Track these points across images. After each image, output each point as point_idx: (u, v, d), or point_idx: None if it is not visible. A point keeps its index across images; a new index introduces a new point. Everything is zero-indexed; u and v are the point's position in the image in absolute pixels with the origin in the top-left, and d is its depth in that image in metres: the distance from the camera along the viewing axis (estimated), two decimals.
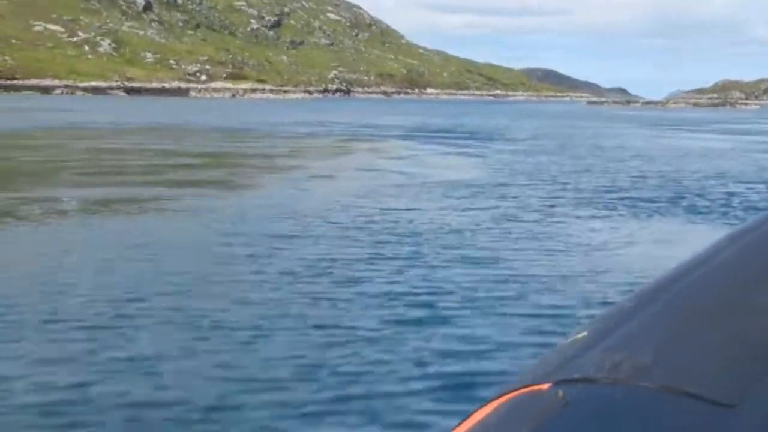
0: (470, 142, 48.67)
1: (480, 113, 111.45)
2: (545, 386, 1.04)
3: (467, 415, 1.08)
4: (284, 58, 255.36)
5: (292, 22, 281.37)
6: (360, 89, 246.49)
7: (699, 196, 23.93)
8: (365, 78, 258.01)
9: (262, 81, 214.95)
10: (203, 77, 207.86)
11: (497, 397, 1.08)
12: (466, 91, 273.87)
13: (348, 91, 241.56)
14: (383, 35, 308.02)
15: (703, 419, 0.95)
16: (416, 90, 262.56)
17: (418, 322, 10.37)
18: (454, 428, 1.06)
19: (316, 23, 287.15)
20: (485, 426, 1.03)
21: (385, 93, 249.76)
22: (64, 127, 53.33)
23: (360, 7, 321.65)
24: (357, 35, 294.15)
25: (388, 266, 13.40)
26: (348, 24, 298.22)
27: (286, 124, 65.15)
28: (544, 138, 54.24)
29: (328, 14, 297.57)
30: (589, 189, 24.85)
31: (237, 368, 8.56)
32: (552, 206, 20.79)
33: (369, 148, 43.27)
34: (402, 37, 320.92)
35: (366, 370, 8.53)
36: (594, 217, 19.43)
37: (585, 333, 1.16)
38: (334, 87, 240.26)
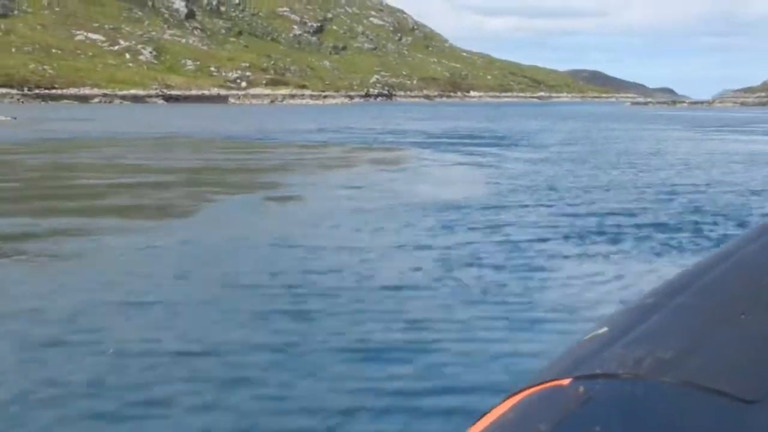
0: (490, 149, 43.50)
1: (517, 116, 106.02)
2: (566, 381, 1.03)
3: (488, 410, 1.06)
4: (326, 63, 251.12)
5: (335, 27, 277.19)
6: (402, 93, 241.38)
7: (736, 221, 18.54)
8: (408, 82, 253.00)
9: (302, 86, 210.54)
10: (243, 84, 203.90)
11: (518, 392, 1.06)
12: (509, 94, 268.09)
13: (390, 96, 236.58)
14: (426, 39, 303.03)
15: (724, 415, 0.94)
16: (459, 93, 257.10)
17: None
18: (475, 422, 1.04)
19: (359, 28, 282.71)
20: (507, 420, 1.02)
21: (427, 96, 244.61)
22: (50, 139, 48.79)
23: (404, 12, 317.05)
24: (400, 39, 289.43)
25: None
26: (391, 28, 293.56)
27: (305, 132, 60.27)
28: (573, 143, 48.98)
29: (372, 19, 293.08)
30: (600, 213, 19.50)
31: None
32: (540, 241, 15.60)
33: (374, 159, 38.20)
34: (446, 40, 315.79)
35: None
36: (587, 257, 14.24)
37: (605, 329, 1.14)
38: (376, 91, 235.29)
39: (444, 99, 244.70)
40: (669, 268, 13.33)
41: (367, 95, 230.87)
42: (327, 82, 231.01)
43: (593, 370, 1.03)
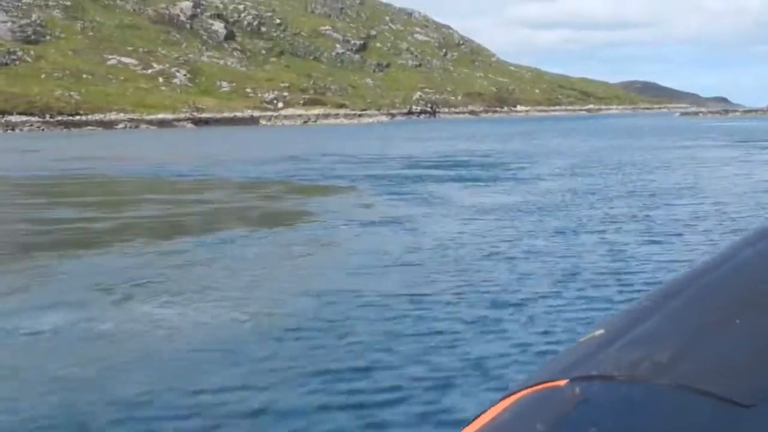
0: (458, 186, 30.95)
1: (547, 132, 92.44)
2: (563, 382, 1.01)
3: (483, 411, 1.04)
4: (369, 81, 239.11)
5: (378, 44, 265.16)
6: (446, 110, 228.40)
7: None
8: (452, 98, 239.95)
9: (341, 106, 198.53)
10: (280, 104, 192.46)
11: (514, 393, 1.05)
12: (558, 107, 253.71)
13: (433, 112, 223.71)
14: (473, 54, 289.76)
15: (720, 418, 0.92)
16: (505, 108, 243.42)
17: None
18: (470, 423, 1.02)
19: (404, 45, 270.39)
20: (502, 421, 1.00)
21: (472, 112, 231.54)
22: None
23: (450, 27, 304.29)
24: (445, 55, 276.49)
25: None
26: (436, 44, 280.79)
27: (266, 162, 48.02)
28: (579, 173, 36.03)
29: (416, 35, 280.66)
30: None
31: None
32: None
33: (265, 214, 25.58)
34: (493, 55, 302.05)
35: None
36: None
37: (602, 331, 1.13)
38: (419, 108, 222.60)
39: (489, 114, 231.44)
40: None
41: (410, 112, 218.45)
42: (369, 101, 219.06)
43: (589, 372, 1.01)
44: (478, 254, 15.99)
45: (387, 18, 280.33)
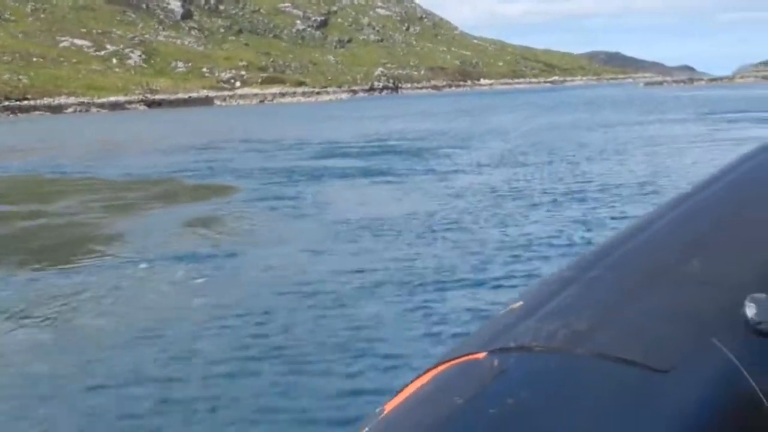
0: (367, 182, 24.71)
1: (499, 107, 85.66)
2: (481, 355, 1.00)
3: (404, 385, 1.03)
4: (331, 57, 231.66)
5: (340, 20, 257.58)
6: (409, 85, 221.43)
7: None
8: (415, 73, 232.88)
9: (300, 84, 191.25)
10: (237, 84, 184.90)
11: (434, 367, 1.03)
12: (522, 80, 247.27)
13: (396, 88, 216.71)
14: (435, 28, 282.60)
15: (637, 384, 0.92)
16: (469, 82, 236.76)
17: None
18: (392, 398, 1.01)
19: (365, 20, 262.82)
20: (422, 395, 0.99)
21: (435, 87, 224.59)
22: None
23: (412, 1, 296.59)
24: (408, 29, 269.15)
25: None
26: (398, 18, 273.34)
27: (144, 153, 41.52)
28: (512, 162, 29.60)
29: (378, 9, 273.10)
30: None
31: None
32: None
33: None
34: (455, 28, 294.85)
35: None
36: None
37: (521, 302, 1.12)
38: (381, 84, 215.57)
39: (453, 89, 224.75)
40: None
41: (372, 89, 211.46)
42: (329, 78, 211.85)
43: (508, 344, 1.00)
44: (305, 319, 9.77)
45: None
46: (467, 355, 1.02)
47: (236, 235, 16.95)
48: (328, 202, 21.15)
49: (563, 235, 14.81)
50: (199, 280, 12.74)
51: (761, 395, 0.98)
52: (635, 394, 0.91)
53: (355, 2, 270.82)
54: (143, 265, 14.34)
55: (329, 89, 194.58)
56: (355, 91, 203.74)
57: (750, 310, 1.08)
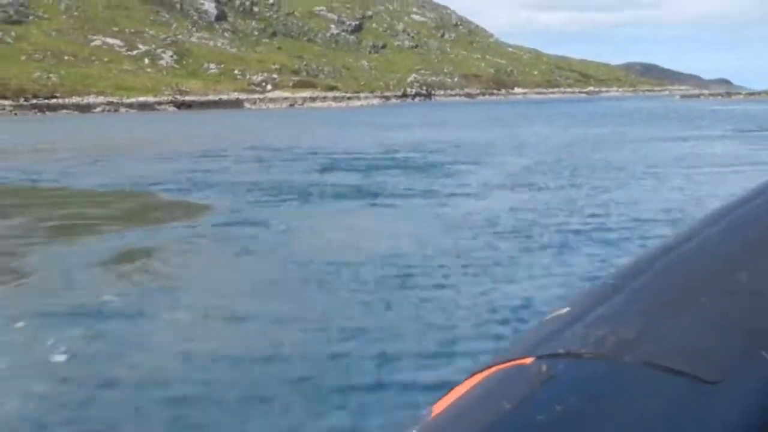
0: (363, 204, 21.29)
1: (527, 118, 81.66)
2: (529, 360, 0.99)
3: (449, 389, 1.00)
4: (364, 63, 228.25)
5: (374, 25, 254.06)
6: (442, 92, 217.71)
7: None
8: (448, 80, 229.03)
9: (332, 88, 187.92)
10: (269, 87, 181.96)
11: (479, 371, 1.02)
12: (556, 89, 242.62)
13: (429, 95, 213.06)
14: (471, 35, 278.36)
15: (685, 395, 0.91)
16: (503, 91, 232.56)
17: None
18: (436, 402, 0.99)
19: (400, 26, 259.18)
20: (470, 398, 0.97)
21: (468, 95, 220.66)
22: None
23: (447, 7, 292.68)
24: (443, 36, 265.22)
25: None
26: (433, 25, 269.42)
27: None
28: (530, 184, 25.94)
29: (413, 15, 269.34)
30: None
31: None
32: None
33: None
34: (491, 36, 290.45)
35: None
36: None
37: (568, 308, 1.11)
38: (413, 91, 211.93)
39: (486, 97, 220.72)
40: None
41: (404, 95, 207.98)
42: (362, 83, 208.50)
43: (556, 350, 0.99)
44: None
45: None
46: (515, 359, 1.00)
47: (159, 280, 13.44)
48: (298, 233, 17.65)
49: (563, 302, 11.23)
50: (60, 358, 9.24)
51: None
52: (683, 404, 0.90)
53: (390, 8, 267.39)
54: (20, 324, 10.88)
55: (361, 95, 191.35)
56: (387, 97, 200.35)
57: None
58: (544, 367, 0.97)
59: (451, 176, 28.45)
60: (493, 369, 1.01)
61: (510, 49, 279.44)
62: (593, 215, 18.52)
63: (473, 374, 1.03)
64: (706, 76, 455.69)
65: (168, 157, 38.89)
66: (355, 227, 17.89)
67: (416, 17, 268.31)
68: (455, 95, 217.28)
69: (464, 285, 12.18)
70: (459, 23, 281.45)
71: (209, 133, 60.28)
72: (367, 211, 20.55)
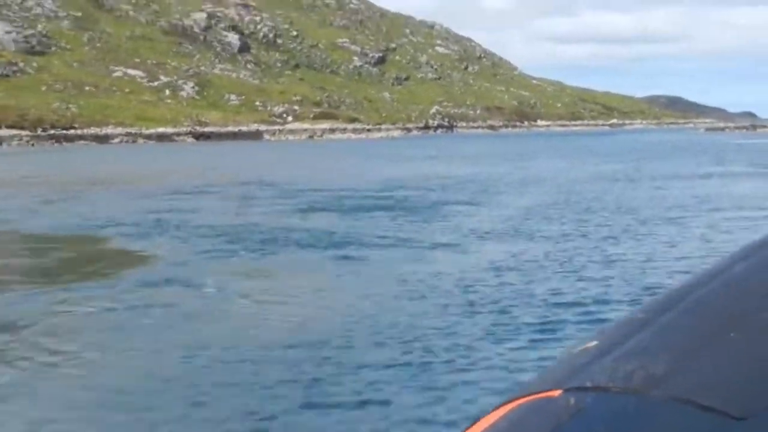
0: (325, 259, 17.88)
1: (544, 151, 78.01)
2: (557, 392, 0.98)
3: (474, 420, 1.00)
4: (386, 94, 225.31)
5: (398, 57, 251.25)
6: (464, 124, 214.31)
7: None
8: (471, 112, 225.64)
9: (353, 120, 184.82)
10: (290, 118, 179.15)
11: (506, 403, 1.01)
12: (579, 122, 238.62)
13: (450, 127, 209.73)
14: (494, 67, 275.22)
15: (713, 430, 0.90)
16: (525, 123, 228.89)
17: None
18: (464, 431, 0.98)
19: (423, 58, 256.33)
20: (497, 430, 0.96)
21: (491, 127, 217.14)
22: None
23: (471, 40, 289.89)
24: (466, 68, 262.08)
25: None
26: (457, 57, 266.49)
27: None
28: (525, 232, 22.35)
29: (437, 48, 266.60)
30: None
31: None
32: None
33: None
34: (515, 68, 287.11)
35: None
36: None
37: (595, 342, 1.10)
38: (435, 123, 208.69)
39: (509, 129, 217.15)
40: None
41: (426, 127, 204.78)
42: (384, 115, 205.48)
43: (584, 383, 0.97)
44: None
45: (407, 30, 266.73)
46: (542, 392, 0.99)
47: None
48: (225, 301, 14.25)
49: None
50: None
51: None
52: None
53: (414, 40, 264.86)
54: None
55: (382, 126, 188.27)
56: (409, 129, 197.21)
57: None
58: (572, 401, 0.95)
59: (444, 219, 24.94)
60: (521, 400, 1.00)
61: (534, 82, 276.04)
62: (593, 280, 14.93)
63: (499, 406, 1.01)
64: (731, 109, 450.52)
65: (146, 194, 35.63)
66: (293, 294, 14.39)
67: (440, 49, 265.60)
68: (477, 127, 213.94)
69: (394, 391, 8.65)
70: (483, 56, 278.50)
71: (210, 166, 57.13)
72: (325, 267, 17.07)
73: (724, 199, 29.36)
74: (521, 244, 19.53)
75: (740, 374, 0.98)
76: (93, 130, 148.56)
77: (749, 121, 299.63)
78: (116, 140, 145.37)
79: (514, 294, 13.48)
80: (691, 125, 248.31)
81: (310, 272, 16.67)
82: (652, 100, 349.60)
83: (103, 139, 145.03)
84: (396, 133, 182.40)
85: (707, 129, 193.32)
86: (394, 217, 25.81)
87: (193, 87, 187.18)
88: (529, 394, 1.00)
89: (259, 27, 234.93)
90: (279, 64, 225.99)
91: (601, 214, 25.09)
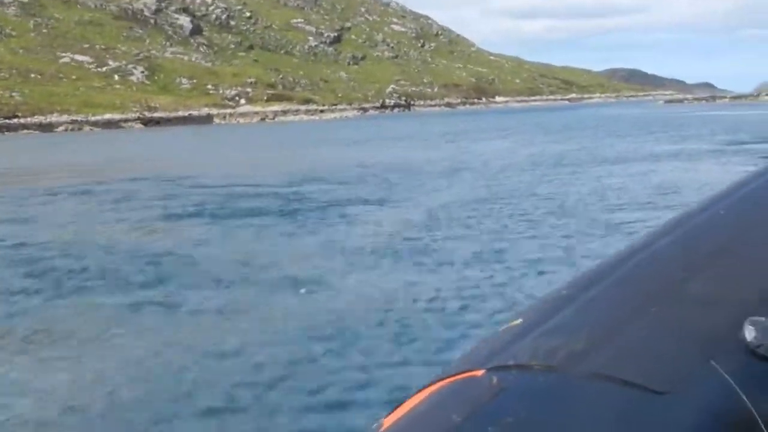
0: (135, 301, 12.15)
1: (485, 131, 72.07)
2: (480, 372, 0.96)
3: (402, 401, 0.98)
4: (343, 74, 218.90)
5: (353, 36, 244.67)
6: (422, 102, 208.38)
7: None
8: (428, 90, 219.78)
9: (308, 101, 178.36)
10: (242, 101, 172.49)
11: (432, 383, 0.99)
12: (538, 97, 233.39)
13: (408, 106, 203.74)
14: (452, 44, 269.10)
15: (635, 405, 0.89)
16: (484, 99, 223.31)
17: None
18: (388, 414, 0.96)
19: (380, 36, 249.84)
20: (420, 411, 0.94)
21: (449, 105, 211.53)
22: None
23: (428, 17, 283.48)
24: (423, 46, 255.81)
25: None
26: (413, 35, 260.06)
27: None
28: (398, 265, 16.75)
29: (393, 26, 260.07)
30: None
31: None
32: None
33: None
34: (472, 45, 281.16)
35: None
36: None
37: (520, 320, 1.08)
38: (392, 102, 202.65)
39: (467, 107, 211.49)
40: None
41: (383, 106, 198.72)
42: (340, 95, 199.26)
43: (507, 362, 0.97)
44: None
45: (363, 9, 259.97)
46: (465, 372, 0.98)
47: None
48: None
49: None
50: None
51: (759, 419, 0.95)
52: (633, 415, 0.88)
53: (370, 19, 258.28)
54: None
55: (339, 107, 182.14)
56: (365, 109, 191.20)
57: (749, 333, 1.05)
58: (494, 380, 0.94)
59: (330, 227, 19.25)
60: (445, 381, 0.98)
61: (491, 58, 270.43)
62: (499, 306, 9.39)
63: (425, 387, 1.00)
64: (690, 81, 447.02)
65: (41, 194, 29.58)
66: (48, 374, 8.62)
67: (396, 27, 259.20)
68: (435, 105, 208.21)
69: None
70: (440, 33, 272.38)
71: (121, 157, 51.02)
72: (124, 321, 11.23)
73: (687, 189, 23.68)
74: (408, 272, 13.84)
75: (661, 348, 0.98)
76: (37, 119, 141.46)
77: (708, 92, 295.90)
78: (61, 128, 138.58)
79: (360, 384, 7.81)
80: (650, 98, 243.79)
81: (96, 330, 10.92)
82: (612, 74, 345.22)
83: (47, 127, 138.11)
84: (352, 114, 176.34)
85: (667, 101, 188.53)
86: (270, 225, 20.09)
87: (143, 72, 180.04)
88: (452, 375, 0.98)
89: (211, 9, 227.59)
90: (232, 46, 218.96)
91: (527, 218, 19.46)
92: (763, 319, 1.06)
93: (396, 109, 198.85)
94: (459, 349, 8.48)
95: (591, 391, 0.91)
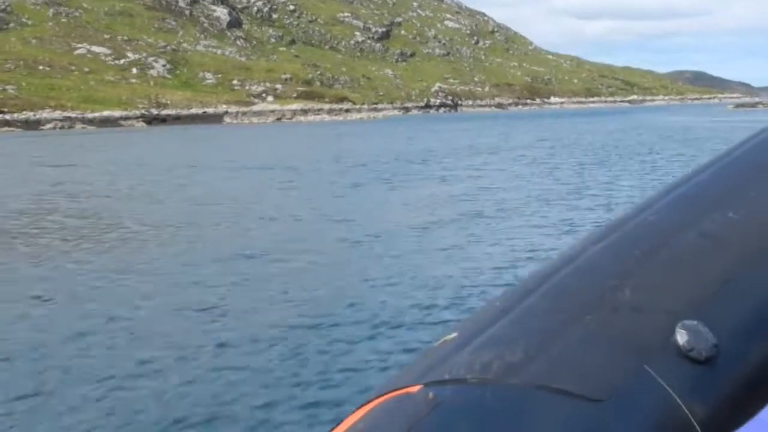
0: None
1: (534, 143, 44.41)
2: (415, 388, 0.92)
3: (339, 422, 0.94)
4: (389, 71, 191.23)
5: (404, 32, 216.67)
6: (470, 102, 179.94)
7: None
8: (478, 89, 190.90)
9: (341, 99, 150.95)
10: (269, 98, 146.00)
11: (368, 402, 0.95)
12: (596, 99, 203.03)
13: (455, 105, 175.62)
14: (508, 42, 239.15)
15: (572, 414, 0.86)
16: (537, 100, 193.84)
17: None
18: None
19: (431, 32, 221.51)
20: (356, 430, 0.90)
21: (500, 105, 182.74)
22: None
23: (485, 14, 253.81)
24: (477, 43, 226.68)
25: None
26: (467, 32, 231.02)
27: None
28: None
29: (447, 22, 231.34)
30: None
31: None
32: None
33: None
34: (530, 43, 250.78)
35: None
36: None
37: (455, 334, 1.05)
38: (438, 101, 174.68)
39: (519, 108, 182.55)
40: None
41: (427, 106, 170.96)
42: (381, 93, 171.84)
43: (442, 376, 0.93)
44: None
45: (415, 4, 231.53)
46: (400, 388, 0.93)
47: None
48: None
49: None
50: None
51: (695, 423, 0.92)
52: (570, 424, 0.85)
53: (422, 14, 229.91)
54: None
55: (377, 107, 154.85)
56: (407, 109, 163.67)
57: (681, 337, 1.03)
58: (430, 395, 0.90)
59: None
60: (380, 399, 0.93)
61: (549, 57, 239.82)
62: None
63: (361, 405, 0.96)
64: (756, 84, 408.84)
65: None
66: None
67: (450, 24, 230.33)
68: (485, 105, 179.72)
69: None
70: (496, 30, 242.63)
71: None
72: None
73: None
74: None
75: (596, 356, 0.94)
76: (25, 115, 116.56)
77: None
78: (49, 126, 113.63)
79: None
80: (716, 101, 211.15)
81: None
82: (677, 76, 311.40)
83: (33, 125, 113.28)
84: (391, 113, 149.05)
85: (736, 105, 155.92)
86: None
87: (164, 65, 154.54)
88: (388, 392, 0.94)
89: (252, 1, 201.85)
90: (273, 41, 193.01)
91: None
92: (694, 322, 1.04)
93: (442, 109, 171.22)
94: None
95: (528, 402, 0.87)
